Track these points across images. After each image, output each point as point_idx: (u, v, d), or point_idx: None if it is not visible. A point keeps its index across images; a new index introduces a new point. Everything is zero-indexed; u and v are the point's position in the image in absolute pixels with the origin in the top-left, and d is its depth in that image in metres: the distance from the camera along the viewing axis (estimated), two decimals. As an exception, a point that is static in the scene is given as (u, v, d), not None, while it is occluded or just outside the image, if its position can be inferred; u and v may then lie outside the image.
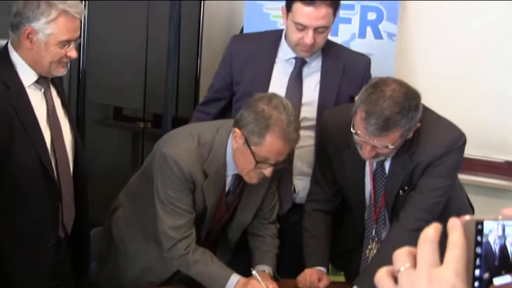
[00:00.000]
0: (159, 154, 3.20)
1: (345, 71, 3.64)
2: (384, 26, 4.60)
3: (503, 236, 1.04)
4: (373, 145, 2.97)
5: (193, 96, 5.09)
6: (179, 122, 4.29)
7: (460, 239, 1.01)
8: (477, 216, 1.03)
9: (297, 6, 3.41)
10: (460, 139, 3.14)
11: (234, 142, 3.12)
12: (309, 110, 3.62)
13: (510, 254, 1.04)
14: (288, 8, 3.46)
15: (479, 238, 1.03)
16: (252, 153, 3.05)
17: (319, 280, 3.27)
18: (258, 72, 3.64)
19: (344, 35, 4.59)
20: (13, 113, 2.91)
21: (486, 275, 1.02)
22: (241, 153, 3.11)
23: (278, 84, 3.62)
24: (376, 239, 3.35)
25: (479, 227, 1.03)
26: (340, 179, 3.38)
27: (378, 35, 4.61)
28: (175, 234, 3.18)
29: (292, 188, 3.67)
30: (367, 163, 3.25)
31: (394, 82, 2.99)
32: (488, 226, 1.03)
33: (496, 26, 4.65)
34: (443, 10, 4.75)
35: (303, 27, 3.43)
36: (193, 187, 3.18)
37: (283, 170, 3.46)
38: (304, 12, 3.40)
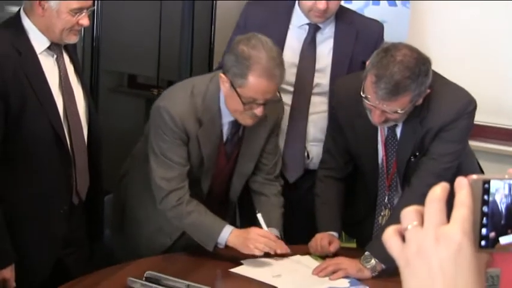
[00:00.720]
0: (153, 108, 3.24)
1: (358, 36, 3.65)
2: (398, -7, 4.58)
3: (510, 195, 1.04)
4: (382, 110, 2.98)
5: (207, 63, 5.09)
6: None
7: (468, 198, 1.01)
8: (484, 175, 1.04)
9: None
10: (470, 104, 3.14)
11: (223, 87, 3.16)
12: (323, 76, 3.64)
13: None
14: None
15: (486, 197, 1.03)
16: (239, 95, 3.09)
17: (330, 244, 3.29)
18: (272, 38, 3.64)
19: (358, 1, 4.57)
20: (25, 79, 2.92)
21: (492, 234, 1.03)
22: (230, 97, 3.14)
23: (292, 50, 3.64)
24: (388, 205, 3.36)
25: (486, 186, 1.03)
26: (353, 147, 3.39)
27: (391, 2, 4.59)
28: (167, 185, 3.23)
29: (306, 154, 3.68)
30: (379, 130, 3.26)
31: (405, 47, 2.99)
32: (495, 185, 1.04)
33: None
34: (454, 9, 4.74)
35: None
36: (186, 137, 3.21)
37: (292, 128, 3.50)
38: None
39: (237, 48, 3.10)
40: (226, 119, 3.27)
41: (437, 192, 1.03)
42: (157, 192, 3.26)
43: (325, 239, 3.30)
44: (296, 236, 3.48)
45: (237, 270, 3.17)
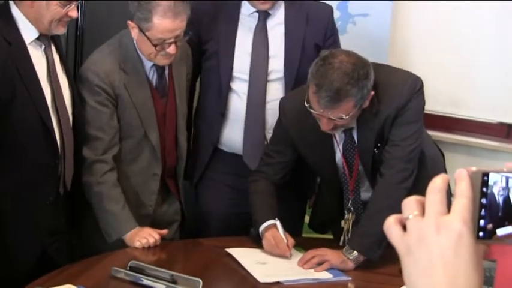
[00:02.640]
0: (78, 79, 3.34)
1: (308, 20, 3.68)
2: (381, -14, 4.58)
3: (507, 188, 1.06)
4: (328, 117, 3.01)
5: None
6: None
7: (468, 189, 1.04)
8: (483, 168, 1.06)
9: None
10: (417, 83, 3.18)
11: (133, 33, 3.28)
12: (277, 62, 3.66)
13: None
14: None
15: (484, 189, 1.05)
16: (148, 38, 3.21)
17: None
18: (223, 29, 3.70)
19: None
20: (14, 69, 2.93)
21: (490, 226, 1.05)
22: (141, 42, 3.28)
23: (244, 38, 3.67)
24: (352, 209, 3.37)
25: (485, 178, 1.06)
26: (311, 161, 3.41)
27: (375, -5, 4.59)
28: (90, 154, 3.32)
29: (265, 142, 3.67)
30: (334, 138, 3.28)
31: (342, 53, 3.04)
32: (493, 178, 1.06)
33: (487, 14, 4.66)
34: (434, 9, 4.76)
35: None
36: (113, 93, 3.31)
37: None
38: None
39: None
40: (148, 64, 3.39)
41: (438, 182, 1.06)
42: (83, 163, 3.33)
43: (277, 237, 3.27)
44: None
45: (230, 250, 3.24)
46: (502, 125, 4.73)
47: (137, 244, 3.24)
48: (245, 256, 3.21)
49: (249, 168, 3.63)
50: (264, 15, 3.66)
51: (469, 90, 4.67)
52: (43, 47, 3.07)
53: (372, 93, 3.05)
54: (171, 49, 3.24)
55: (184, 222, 3.76)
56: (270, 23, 3.68)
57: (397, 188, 3.12)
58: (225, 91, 3.67)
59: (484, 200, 1.05)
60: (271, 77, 3.65)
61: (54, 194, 3.18)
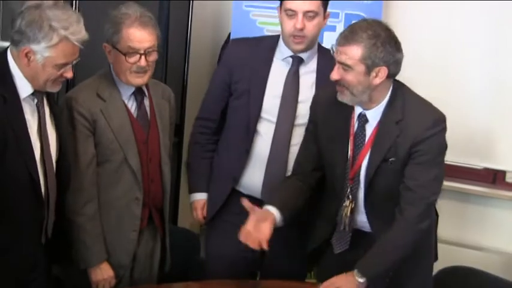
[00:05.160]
0: (64, 110, 3.43)
1: None
2: (367, 34, 4.63)
3: None
4: (338, 61, 3.16)
5: (183, 62, 5.15)
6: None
7: None
8: None
9: None
10: (442, 120, 3.30)
11: (108, 55, 3.46)
12: (305, 107, 3.70)
13: None
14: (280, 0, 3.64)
15: None
16: (119, 50, 3.35)
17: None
18: (256, 71, 3.77)
19: (329, 42, 4.63)
20: (7, 124, 2.94)
21: None
22: (115, 59, 3.44)
23: (275, 81, 3.75)
24: (350, 197, 3.41)
25: None
26: (326, 145, 3.48)
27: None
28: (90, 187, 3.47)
29: None
30: (350, 126, 3.36)
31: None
32: None
33: (479, 24, 4.70)
34: (425, 18, 4.82)
35: (293, 13, 3.60)
36: (90, 119, 3.41)
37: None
38: None
39: (109, 16, 3.41)
40: (126, 93, 3.51)
41: None
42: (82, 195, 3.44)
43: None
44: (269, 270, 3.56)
45: None
46: (488, 170, 4.78)
47: (100, 286, 3.47)
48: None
49: None
50: (297, 61, 3.76)
51: (455, 136, 4.70)
52: (36, 101, 3.08)
53: (385, 68, 3.16)
54: (142, 62, 3.38)
55: (166, 263, 3.83)
56: (303, 70, 3.77)
57: (414, 227, 3.23)
58: (252, 130, 3.74)
59: None
60: (298, 121, 3.72)
61: (35, 247, 3.20)
